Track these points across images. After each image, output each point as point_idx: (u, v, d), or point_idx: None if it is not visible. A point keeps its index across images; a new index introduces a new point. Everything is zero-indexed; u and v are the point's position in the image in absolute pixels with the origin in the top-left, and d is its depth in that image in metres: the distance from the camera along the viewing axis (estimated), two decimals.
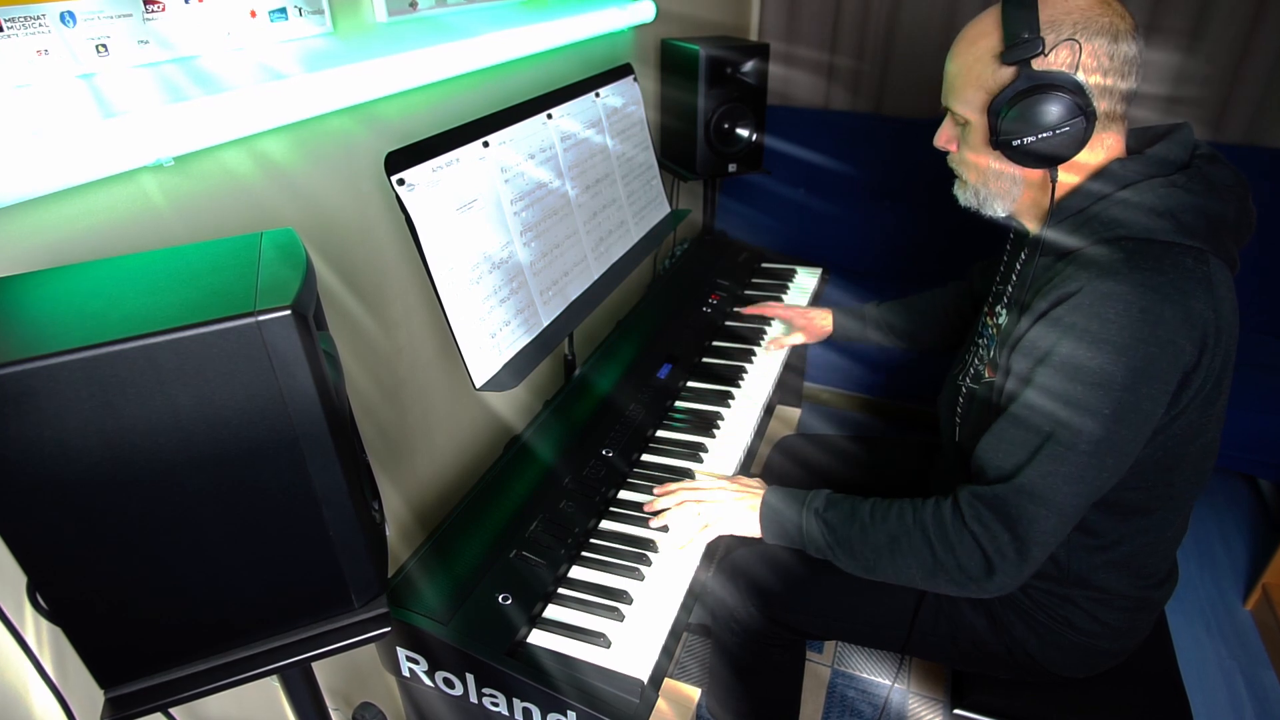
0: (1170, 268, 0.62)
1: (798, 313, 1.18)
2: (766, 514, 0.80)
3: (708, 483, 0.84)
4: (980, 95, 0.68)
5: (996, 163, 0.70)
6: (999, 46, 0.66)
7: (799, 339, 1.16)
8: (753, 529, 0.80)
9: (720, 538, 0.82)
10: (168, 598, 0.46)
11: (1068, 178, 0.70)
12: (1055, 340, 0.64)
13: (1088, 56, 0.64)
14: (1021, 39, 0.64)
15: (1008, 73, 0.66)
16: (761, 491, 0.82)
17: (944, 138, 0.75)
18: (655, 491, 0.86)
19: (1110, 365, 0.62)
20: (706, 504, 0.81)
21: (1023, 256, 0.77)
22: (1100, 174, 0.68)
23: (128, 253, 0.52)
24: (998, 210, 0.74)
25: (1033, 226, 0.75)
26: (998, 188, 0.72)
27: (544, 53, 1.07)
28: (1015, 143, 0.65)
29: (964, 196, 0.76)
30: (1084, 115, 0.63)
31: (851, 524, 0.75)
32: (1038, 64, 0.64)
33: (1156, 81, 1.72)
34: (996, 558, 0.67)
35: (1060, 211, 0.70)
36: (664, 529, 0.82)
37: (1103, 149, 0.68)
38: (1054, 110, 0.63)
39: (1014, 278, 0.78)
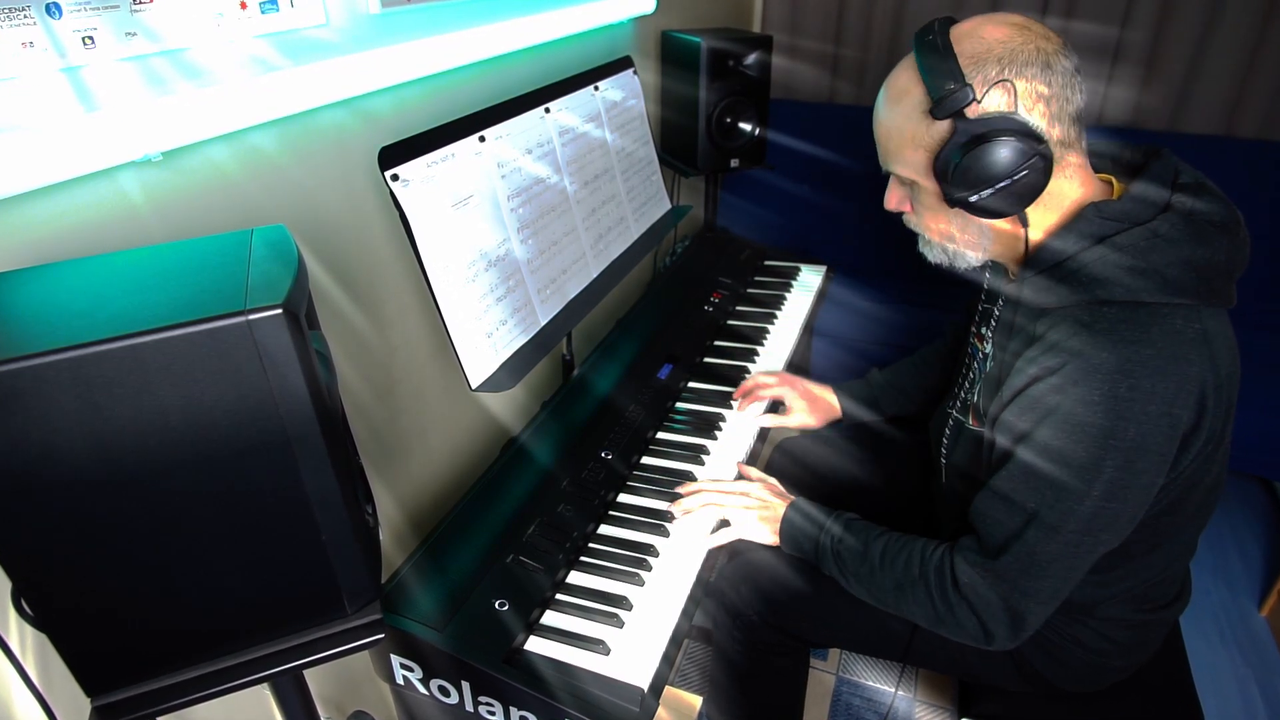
0: (1159, 336, 0.58)
1: (800, 392, 1.03)
2: (785, 531, 0.82)
3: (733, 488, 0.85)
4: (921, 155, 0.63)
5: (959, 218, 0.65)
6: (926, 101, 0.60)
7: (807, 422, 1.02)
8: (770, 540, 0.83)
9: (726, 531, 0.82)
10: (156, 603, 0.46)
11: (1044, 216, 0.64)
12: (1037, 420, 0.62)
13: (1025, 94, 0.59)
14: (948, 90, 0.58)
15: (943, 127, 0.60)
16: (784, 505, 0.83)
17: (894, 200, 0.70)
18: (680, 491, 0.86)
19: (1097, 451, 0.59)
20: (730, 509, 0.83)
21: (1001, 303, 0.72)
22: (1075, 223, 0.63)
23: (115, 250, 0.51)
24: (971, 262, 0.69)
25: (1012, 267, 0.70)
26: (965, 242, 0.67)
27: (542, 45, 1.06)
28: (973, 199, 0.60)
29: (931, 254, 0.71)
30: (1039, 154, 0.58)
31: (862, 563, 0.76)
32: (972, 112, 0.59)
33: (1168, 77, 1.70)
34: (992, 625, 0.68)
35: (1038, 261, 0.64)
36: (665, 534, 0.81)
37: (1065, 177, 0.63)
38: (1006, 158, 0.58)
39: (996, 311, 0.73)
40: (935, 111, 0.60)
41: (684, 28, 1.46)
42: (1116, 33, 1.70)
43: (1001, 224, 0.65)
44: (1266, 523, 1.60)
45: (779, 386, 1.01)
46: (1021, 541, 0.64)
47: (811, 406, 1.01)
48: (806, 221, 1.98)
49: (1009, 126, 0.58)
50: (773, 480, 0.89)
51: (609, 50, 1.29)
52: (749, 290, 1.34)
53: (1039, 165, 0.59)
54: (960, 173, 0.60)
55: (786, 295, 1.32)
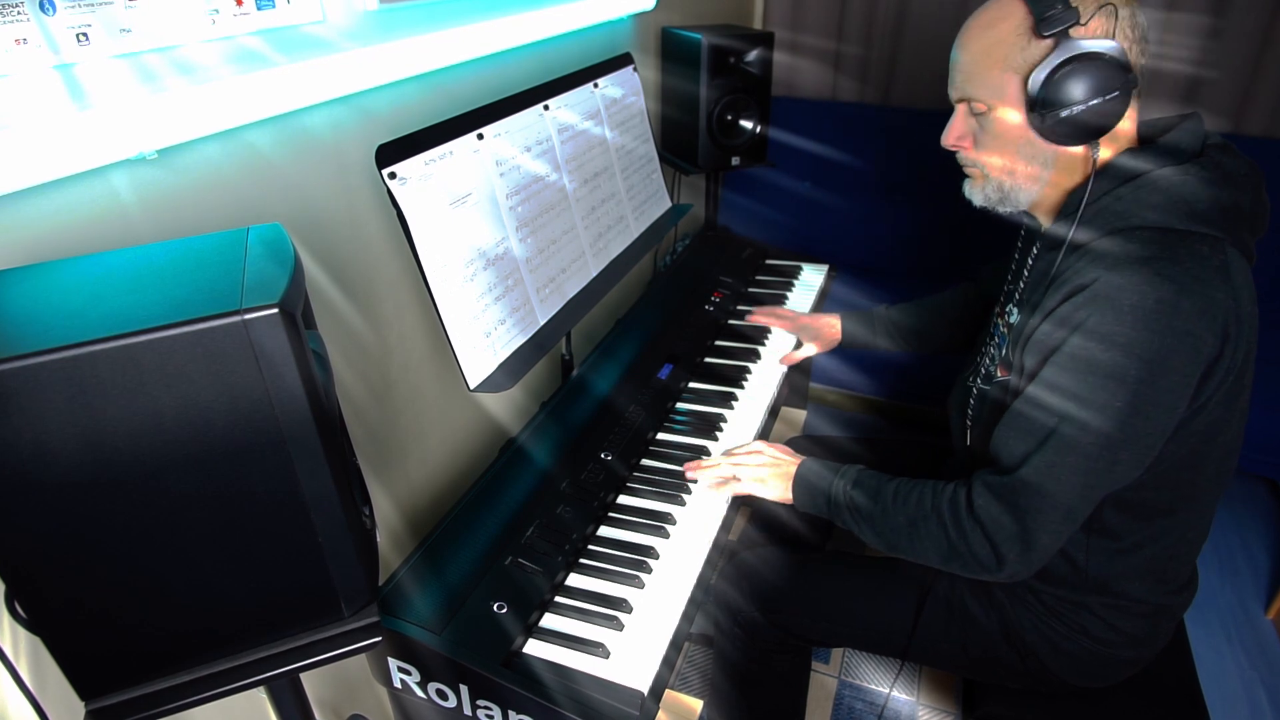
0: (1186, 256, 0.61)
1: (806, 321, 1.16)
2: (799, 484, 0.83)
3: (743, 455, 0.87)
4: (1009, 75, 0.66)
5: (1028, 147, 0.68)
6: (1029, 21, 0.65)
7: (811, 351, 1.14)
8: (784, 495, 0.83)
9: (741, 511, 0.84)
10: (151, 606, 0.45)
11: (1084, 164, 0.68)
12: (1067, 333, 0.64)
13: (1123, 23, 0.64)
14: (1055, 9, 0.63)
15: (1043, 46, 0.64)
16: (795, 463, 0.84)
17: (955, 135, 0.73)
18: (691, 464, 0.88)
19: (1123, 359, 0.61)
20: (743, 467, 0.85)
21: (1034, 252, 0.76)
22: (1110, 165, 0.67)
23: (109, 248, 0.50)
24: (1021, 201, 0.72)
25: (1046, 220, 0.74)
26: (1026, 175, 0.70)
27: (541, 42, 1.05)
28: (1064, 114, 0.63)
29: (980, 195, 0.74)
30: (1127, 80, 0.62)
31: (876, 503, 0.76)
32: (1076, 33, 0.63)
33: (1175, 73, 1.69)
34: (1004, 547, 0.68)
35: (1071, 204, 0.69)
36: (665, 536, 0.81)
37: (1118, 130, 0.67)
38: (1100, 78, 0.62)
39: (1025, 274, 0.76)
40: (1042, 28, 0.63)
41: (684, 24, 1.45)
42: None
43: (1070, 152, 0.68)
44: (1272, 524, 1.59)
45: (788, 323, 1.16)
46: (1041, 454, 0.65)
47: (818, 336, 1.13)
48: (808, 220, 1.97)
49: (1107, 50, 0.62)
50: (784, 445, 0.90)
51: (609, 47, 1.28)
52: (750, 289, 1.33)
53: (1129, 88, 0.63)
54: (1053, 90, 0.63)
55: (788, 295, 1.31)
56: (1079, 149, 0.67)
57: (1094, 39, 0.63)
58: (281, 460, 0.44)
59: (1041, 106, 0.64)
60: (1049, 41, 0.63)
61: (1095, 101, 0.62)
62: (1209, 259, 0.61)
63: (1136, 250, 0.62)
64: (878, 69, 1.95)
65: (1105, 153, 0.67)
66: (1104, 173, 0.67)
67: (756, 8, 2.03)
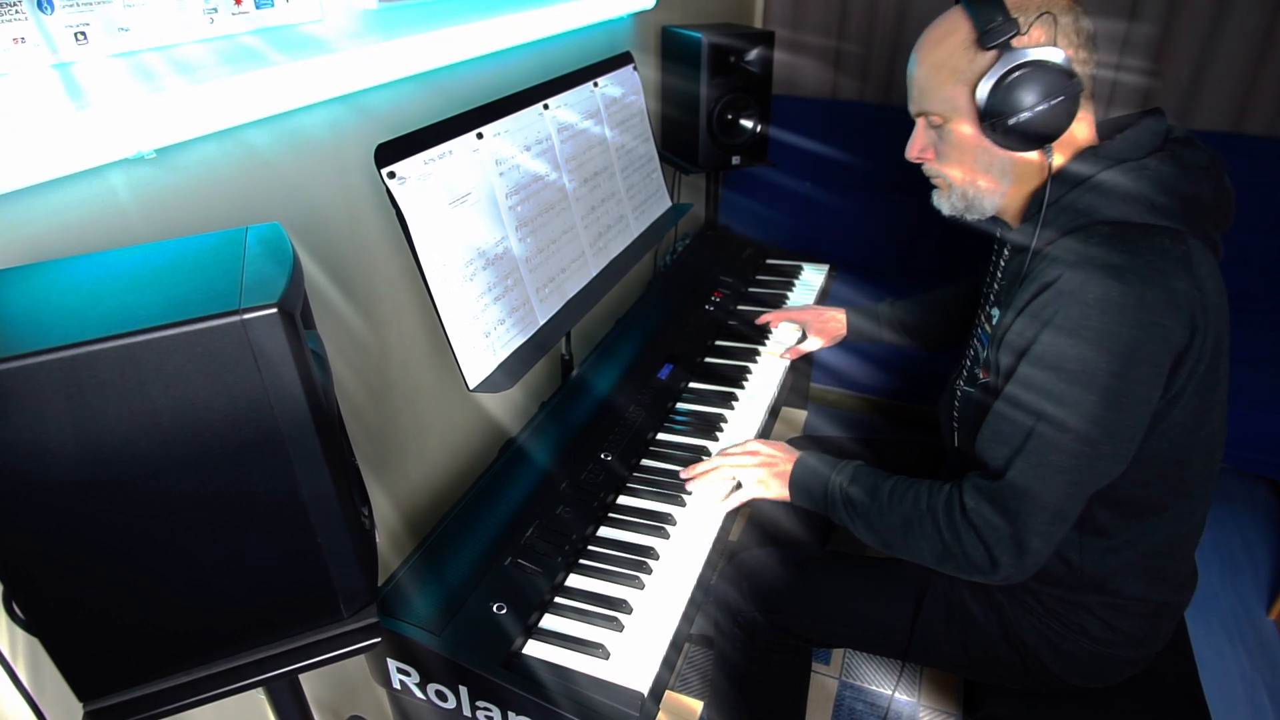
0: (1147, 249, 0.62)
1: (812, 315, 1.16)
2: (795, 480, 0.83)
3: (739, 455, 0.87)
4: (960, 88, 0.68)
5: (984, 155, 0.70)
6: (973, 34, 0.67)
7: (817, 344, 1.14)
8: (783, 493, 0.83)
9: (742, 512, 0.85)
10: (149, 606, 0.45)
11: (1035, 173, 0.69)
12: (1035, 332, 0.65)
13: (1064, 29, 0.65)
14: (996, 21, 0.65)
15: (988, 58, 0.66)
16: (791, 459, 0.84)
17: (917, 148, 0.75)
18: (686, 471, 0.88)
19: (1092, 353, 0.62)
20: (740, 468, 0.85)
21: (1006, 255, 0.77)
22: (1066, 169, 0.68)
23: (108, 248, 0.50)
24: (986, 208, 0.74)
25: (1013, 223, 0.75)
26: (987, 183, 0.72)
27: (540, 41, 1.05)
28: (1011, 121, 0.65)
29: (947, 204, 0.76)
30: (1071, 84, 0.64)
31: (871, 501, 0.77)
32: (1017, 43, 0.65)
33: (1176, 71, 1.69)
34: (998, 550, 0.68)
35: (1035, 204, 0.70)
36: (665, 536, 0.81)
37: (1073, 134, 0.68)
38: (1043, 83, 0.63)
39: (999, 276, 0.77)
40: (983, 40, 0.65)
41: (684, 23, 1.45)
42: (1124, 26, 1.69)
43: (1025, 159, 0.69)
44: (1273, 524, 1.59)
45: (795, 315, 1.18)
46: (1024, 455, 0.66)
47: (824, 328, 1.14)
48: (809, 219, 1.97)
49: (1048, 56, 0.64)
50: (782, 443, 0.91)
51: (609, 46, 1.28)
52: (751, 289, 1.33)
53: (1072, 94, 0.64)
54: (999, 98, 0.65)
55: (789, 294, 1.31)
56: (1034, 155, 0.69)
57: (1036, 47, 0.64)
58: (280, 460, 0.44)
59: (991, 116, 0.66)
60: (993, 53, 0.65)
61: (1041, 107, 0.63)
62: (1170, 251, 0.62)
63: (1097, 245, 0.63)
64: (878, 68, 1.94)
65: (1059, 158, 0.68)
66: (1060, 176, 0.68)
67: (757, 6, 2.02)
